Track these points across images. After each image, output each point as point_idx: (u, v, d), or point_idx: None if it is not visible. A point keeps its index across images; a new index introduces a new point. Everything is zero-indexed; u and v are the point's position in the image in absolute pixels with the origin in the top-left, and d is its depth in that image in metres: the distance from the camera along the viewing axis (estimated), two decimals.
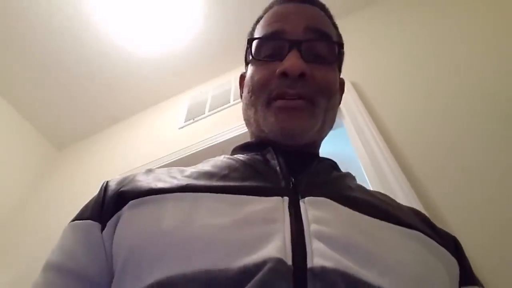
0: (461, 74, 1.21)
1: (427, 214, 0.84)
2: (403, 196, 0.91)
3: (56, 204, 1.80)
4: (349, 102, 1.28)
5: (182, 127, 1.85)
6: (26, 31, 1.78)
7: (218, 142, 1.56)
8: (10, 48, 1.84)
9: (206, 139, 1.61)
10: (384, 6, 1.74)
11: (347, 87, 1.33)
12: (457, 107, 1.11)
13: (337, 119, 1.32)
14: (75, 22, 1.78)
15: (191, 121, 1.84)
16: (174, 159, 1.61)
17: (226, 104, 1.78)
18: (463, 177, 0.94)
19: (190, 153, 1.60)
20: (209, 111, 1.84)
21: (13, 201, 1.88)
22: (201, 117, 1.83)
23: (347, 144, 1.27)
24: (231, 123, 1.57)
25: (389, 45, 1.52)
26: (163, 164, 1.61)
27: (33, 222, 1.77)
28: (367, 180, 1.08)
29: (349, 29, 1.74)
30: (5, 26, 1.75)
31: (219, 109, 1.80)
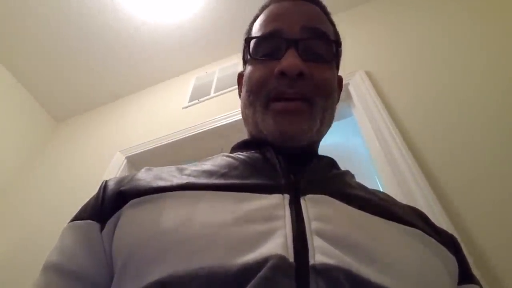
0: (477, 64, 1.18)
1: (441, 208, 0.83)
2: (416, 186, 0.90)
3: (53, 174, 1.80)
4: (362, 91, 1.25)
5: (186, 107, 1.83)
6: (29, 1, 1.75)
7: (222, 124, 1.55)
8: (13, 17, 1.80)
9: (210, 120, 1.60)
10: None
11: (361, 75, 1.31)
12: (473, 98, 1.09)
13: (347, 108, 1.31)
14: None
15: (196, 101, 1.82)
16: (176, 139, 1.60)
17: (232, 86, 1.75)
18: (480, 171, 0.92)
19: (193, 133, 1.59)
20: (214, 92, 1.82)
21: (11, 170, 1.88)
22: (206, 98, 1.81)
23: (354, 133, 1.25)
24: (236, 106, 1.56)
25: (403, 34, 1.49)
26: (165, 143, 1.61)
27: (30, 191, 1.77)
28: (376, 171, 1.06)
29: (363, 18, 1.70)
30: None
31: (224, 91, 1.77)
